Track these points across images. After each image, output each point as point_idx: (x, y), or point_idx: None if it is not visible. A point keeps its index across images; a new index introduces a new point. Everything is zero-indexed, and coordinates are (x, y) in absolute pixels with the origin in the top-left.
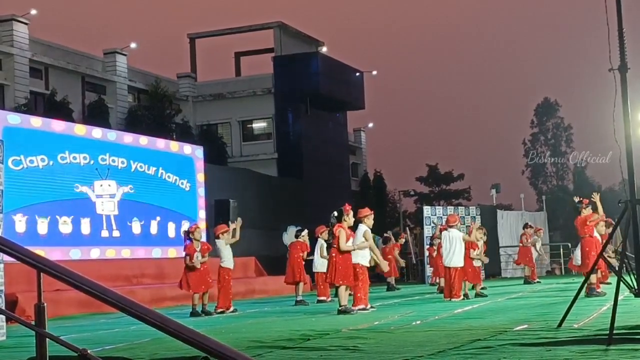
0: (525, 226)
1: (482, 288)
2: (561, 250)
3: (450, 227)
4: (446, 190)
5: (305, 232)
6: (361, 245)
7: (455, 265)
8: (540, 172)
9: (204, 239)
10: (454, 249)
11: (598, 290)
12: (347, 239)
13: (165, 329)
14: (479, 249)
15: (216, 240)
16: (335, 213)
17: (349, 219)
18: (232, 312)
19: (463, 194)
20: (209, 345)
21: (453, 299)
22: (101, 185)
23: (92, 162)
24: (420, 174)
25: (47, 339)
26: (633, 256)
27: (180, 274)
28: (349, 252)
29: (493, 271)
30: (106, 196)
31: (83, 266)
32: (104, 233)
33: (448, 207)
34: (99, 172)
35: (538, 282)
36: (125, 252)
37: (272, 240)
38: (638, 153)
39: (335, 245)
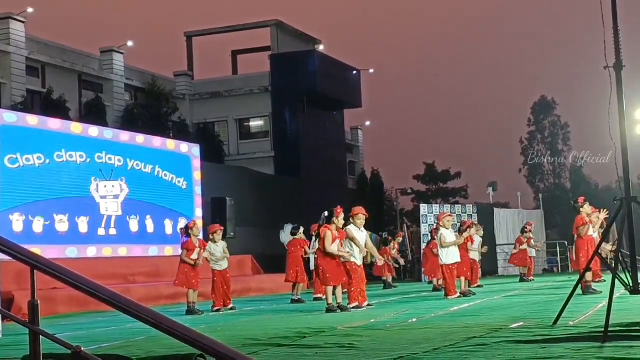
0: (524, 230)
1: (478, 286)
2: (558, 248)
3: (439, 226)
4: (443, 189)
5: (302, 229)
6: (345, 255)
7: (445, 263)
8: (537, 171)
9: (200, 237)
10: (444, 247)
11: (594, 288)
12: (333, 241)
13: (158, 326)
14: (474, 242)
15: (209, 240)
16: (326, 213)
17: (339, 222)
18: (230, 309)
19: (460, 192)
20: (202, 342)
21: (449, 297)
22: (105, 187)
23: (88, 160)
24: (417, 172)
25: (42, 337)
26: (628, 253)
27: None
28: (332, 255)
29: (490, 269)
30: (110, 197)
31: (79, 264)
32: (101, 231)
33: (445, 206)
34: (103, 173)
35: (532, 280)
36: (122, 251)
37: (269, 238)
38: (634, 151)
39: (320, 248)
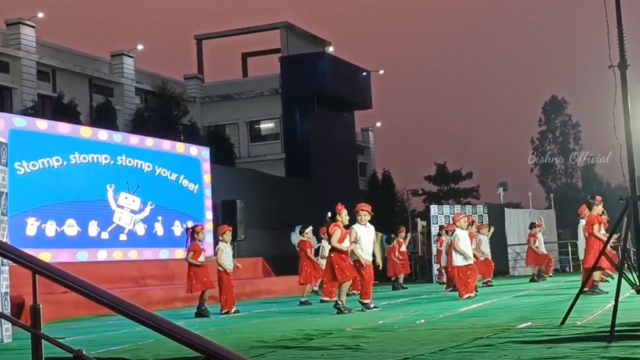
0: (532, 225)
1: (488, 281)
2: (569, 247)
3: (455, 226)
4: (455, 189)
5: (310, 229)
6: (343, 247)
7: (457, 265)
8: (548, 170)
9: (209, 240)
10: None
11: (600, 288)
12: (343, 238)
13: (157, 329)
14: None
15: (219, 241)
16: (329, 214)
17: (343, 218)
18: (234, 313)
19: (472, 192)
20: (202, 345)
21: (462, 297)
22: (126, 198)
23: (98, 163)
24: (428, 173)
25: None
26: (635, 250)
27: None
28: (341, 250)
29: (501, 269)
30: (127, 209)
31: (90, 268)
32: (111, 235)
33: (455, 206)
34: (129, 186)
35: (544, 279)
36: (132, 254)
37: (279, 240)
38: (639, 150)
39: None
